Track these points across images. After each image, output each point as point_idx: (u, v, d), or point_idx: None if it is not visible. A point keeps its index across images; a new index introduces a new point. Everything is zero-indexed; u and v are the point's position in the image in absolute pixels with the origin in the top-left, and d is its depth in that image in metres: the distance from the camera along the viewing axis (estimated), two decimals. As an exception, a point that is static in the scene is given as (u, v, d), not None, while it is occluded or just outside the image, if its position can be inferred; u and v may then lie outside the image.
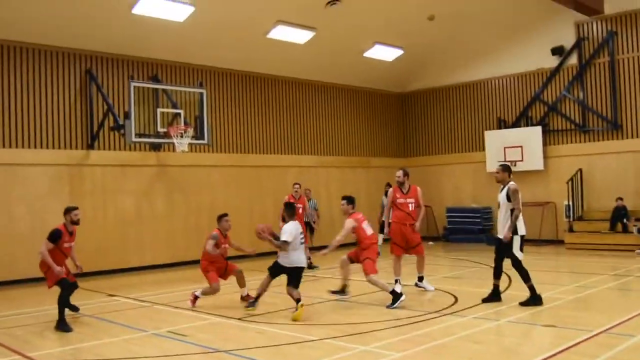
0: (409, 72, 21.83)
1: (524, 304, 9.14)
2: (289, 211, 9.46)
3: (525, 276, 9.24)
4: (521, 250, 9.26)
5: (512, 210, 9.19)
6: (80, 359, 7.26)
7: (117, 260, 15.10)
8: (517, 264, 9.28)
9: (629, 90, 17.51)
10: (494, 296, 9.51)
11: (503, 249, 9.34)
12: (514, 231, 9.19)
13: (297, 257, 9.07)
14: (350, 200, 10.05)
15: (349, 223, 9.82)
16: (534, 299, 9.16)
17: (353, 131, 21.42)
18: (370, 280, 9.65)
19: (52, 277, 8.96)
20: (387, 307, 9.36)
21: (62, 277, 8.96)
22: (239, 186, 17.63)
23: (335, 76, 20.42)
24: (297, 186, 14.58)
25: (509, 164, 10.08)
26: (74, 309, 9.65)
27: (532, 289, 9.19)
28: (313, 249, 18.86)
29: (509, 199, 9.23)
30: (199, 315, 9.42)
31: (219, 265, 10.25)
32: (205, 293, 10.13)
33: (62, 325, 8.67)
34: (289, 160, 19.03)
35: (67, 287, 9.05)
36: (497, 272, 9.51)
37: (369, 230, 9.90)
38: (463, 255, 16.39)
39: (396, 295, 9.46)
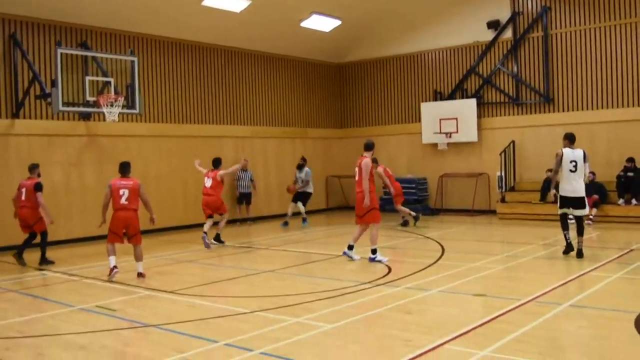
0: (347, 43, 21.69)
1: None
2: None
3: (561, 226, 11.02)
4: (560, 207, 11.01)
5: None
6: (2, 336, 6.94)
7: (45, 233, 14.60)
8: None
9: (561, 65, 17.83)
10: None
11: None
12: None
13: None
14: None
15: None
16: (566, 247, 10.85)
17: (290, 102, 21.20)
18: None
19: None
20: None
21: None
22: (172, 157, 17.23)
23: (272, 46, 20.09)
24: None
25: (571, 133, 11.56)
26: None
27: (565, 237, 10.84)
28: (248, 220, 18.76)
29: None
30: (129, 289, 9.20)
31: None
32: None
33: None
34: (224, 130, 18.71)
35: None
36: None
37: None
38: (398, 226, 16.53)
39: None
